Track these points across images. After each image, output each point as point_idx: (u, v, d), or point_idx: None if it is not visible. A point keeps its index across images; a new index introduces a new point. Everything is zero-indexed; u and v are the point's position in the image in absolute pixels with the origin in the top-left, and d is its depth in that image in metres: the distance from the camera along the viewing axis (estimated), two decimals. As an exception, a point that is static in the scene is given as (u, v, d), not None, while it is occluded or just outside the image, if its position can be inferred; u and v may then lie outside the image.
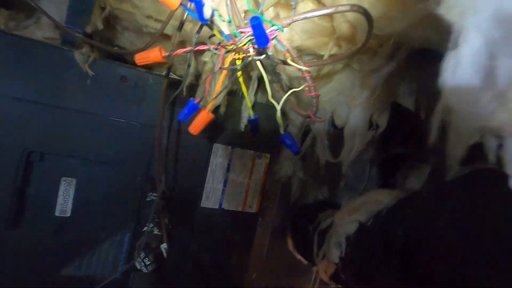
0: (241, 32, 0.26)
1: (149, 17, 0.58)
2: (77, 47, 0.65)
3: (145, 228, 0.58)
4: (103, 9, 0.56)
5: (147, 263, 0.51)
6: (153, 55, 0.28)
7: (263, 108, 0.80)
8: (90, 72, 0.66)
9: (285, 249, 1.07)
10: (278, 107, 0.27)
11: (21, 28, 0.68)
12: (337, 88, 0.71)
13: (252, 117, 0.36)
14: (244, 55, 0.28)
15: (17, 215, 0.64)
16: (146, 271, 0.50)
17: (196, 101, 0.27)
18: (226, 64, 0.26)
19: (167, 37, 0.68)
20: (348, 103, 0.69)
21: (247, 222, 0.86)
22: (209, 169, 0.79)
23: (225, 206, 0.83)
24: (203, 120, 0.27)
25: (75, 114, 0.66)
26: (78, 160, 0.68)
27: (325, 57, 0.46)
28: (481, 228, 0.41)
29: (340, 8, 0.28)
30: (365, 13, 0.30)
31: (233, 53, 0.28)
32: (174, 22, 0.58)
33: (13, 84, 0.62)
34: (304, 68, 0.28)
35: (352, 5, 0.28)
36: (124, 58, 0.77)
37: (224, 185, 0.82)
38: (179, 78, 0.76)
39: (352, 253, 0.79)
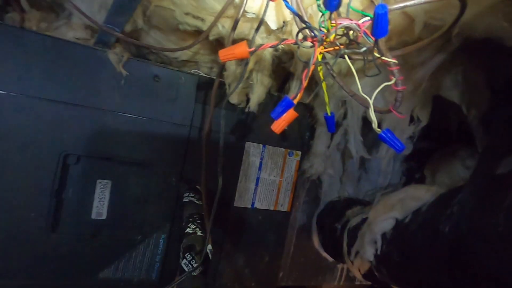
0: (333, 24, 0.25)
1: (187, 14, 0.56)
2: (110, 47, 0.64)
3: (187, 230, 0.57)
4: (145, 7, 0.54)
5: (195, 265, 0.50)
6: (239, 50, 0.27)
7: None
8: (124, 72, 0.65)
9: (310, 246, 1.06)
10: (371, 101, 0.26)
11: (52, 29, 0.66)
12: (372, 83, 0.69)
13: (329, 114, 0.35)
14: (333, 48, 0.26)
15: (55, 219, 0.63)
16: (195, 273, 0.49)
17: (291, 97, 0.26)
18: (315, 59, 0.25)
19: (196, 34, 0.67)
20: (386, 97, 0.67)
21: (279, 221, 0.85)
22: (242, 168, 0.78)
23: (257, 205, 0.81)
24: (290, 118, 0.26)
25: (110, 115, 0.65)
26: (113, 162, 0.67)
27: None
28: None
29: None
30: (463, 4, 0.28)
31: (322, 47, 0.26)
32: (210, 18, 0.56)
33: (47, 86, 0.60)
34: (393, 61, 0.27)
35: None
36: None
37: (256, 184, 0.81)
38: (209, 77, 0.74)
39: (388, 251, 0.78)
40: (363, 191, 1.09)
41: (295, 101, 0.26)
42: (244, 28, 0.52)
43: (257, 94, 0.59)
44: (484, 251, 0.53)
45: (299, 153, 0.85)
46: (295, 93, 0.26)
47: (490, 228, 0.52)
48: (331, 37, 0.25)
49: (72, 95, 0.62)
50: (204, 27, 0.57)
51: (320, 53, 0.28)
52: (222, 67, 0.56)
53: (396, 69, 0.27)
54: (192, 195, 0.66)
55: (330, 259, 1.08)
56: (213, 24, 0.46)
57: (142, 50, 0.76)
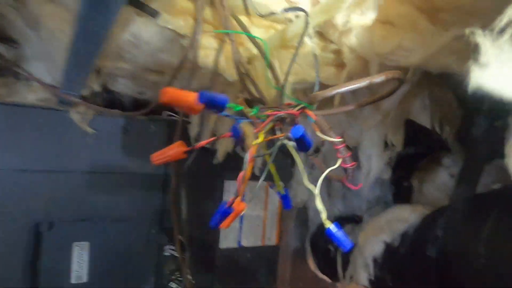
0: (268, 115, 0.24)
1: (146, 70, 0.55)
2: (73, 106, 0.63)
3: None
4: (99, 72, 0.53)
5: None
6: (174, 152, 0.26)
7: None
8: (90, 130, 0.64)
9: (307, 269, 1.04)
10: (317, 191, 0.25)
11: (13, 93, 0.65)
12: (346, 112, 0.69)
13: (283, 192, 0.34)
14: (272, 136, 0.26)
15: (32, 291, 0.61)
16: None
17: (227, 205, 0.25)
18: (254, 153, 0.24)
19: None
20: (360, 125, 0.67)
21: (268, 255, 0.83)
22: (224, 207, 0.77)
23: (244, 243, 0.80)
24: (235, 217, 0.25)
25: (80, 176, 0.63)
26: (89, 222, 0.65)
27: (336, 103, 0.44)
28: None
29: (375, 80, 0.26)
30: (400, 80, 0.28)
31: (258, 139, 0.25)
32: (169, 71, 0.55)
33: (12, 156, 0.58)
34: (337, 140, 0.26)
35: (387, 76, 0.26)
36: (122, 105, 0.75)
37: (241, 222, 0.79)
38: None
39: (382, 275, 0.77)
40: (352, 206, 1.07)
41: (234, 206, 0.25)
42: (203, 81, 0.51)
43: (224, 143, 0.58)
44: (470, 278, 0.53)
45: (282, 184, 0.84)
46: (232, 199, 0.25)
47: (473, 257, 0.51)
48: (267, 129, 0.24)
49: (38, 161, 0.60)
50: (164, 81, 0.56)
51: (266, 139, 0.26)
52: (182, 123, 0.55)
53: (342, 147, 0.26)
54: (173, 248, 0.64)
55: (329, 280, 1.07)
56: (172, 79, 0.45)
57: (113, 94, 0.74)
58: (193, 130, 0.57)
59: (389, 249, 0.75)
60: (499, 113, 0.55)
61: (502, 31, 0.18)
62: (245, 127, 0.22)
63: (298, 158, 0.27)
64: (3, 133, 0.58)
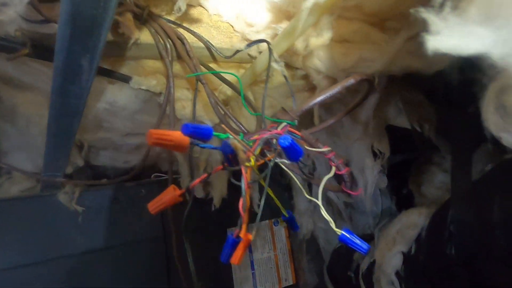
0: (254, 139, 0.25)
1: (126, 135, 0.56)
2: (59, 188, 0.61)
3: None
4: (80, 146, 0.53)
5: None
6: (169, 197, 0.25)
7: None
8: (79, 208, 0.62)
9: (332, 304, 0.98)
10: (319, 202, 0.25)
11: (-6, 189, 0.63)
12: (327, 131, 0.70)
13: (286, 215, 0.34)
14: (263, 160, 0.26)
15: None
16: None
17: (235, 235, 0.24)
18: (249, 178, 0.24)
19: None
20: (343, 142, 0.68)
21: (289, 297, 0.79)
22: (232, 257, 0.73)
23: (261, 290, 0.75)
24: (244, 248, 0.24)
25: (75, 259, 0.60)
26: (93, 307, 0.60)
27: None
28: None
29: (346, 83, 0.27)
30: (369, 81, 0.29)
31: (251, 163, 0.25)
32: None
33: (4, 255, 0.55)
34: (325, 149, 0.26)
35: (356, 78, 0.27)
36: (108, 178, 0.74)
37: (253, 268, 0.75)
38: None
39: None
40: (360, 226, 1.05)
41: (241, 235, 0.24)
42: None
43: (219, 189, 0.57)
44: (495, 264, 0.51)
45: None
46: (238, 229, 0.25)
47: (492, 243, 0.50)
48: (257, 152, 0.25)
49: (29, 254, 0.57)
50: (145, 143, 0.56)
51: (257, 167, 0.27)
52: (171, 164, 0.55)
53: (332, 155, 0.26)
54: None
55: (357, 310, 1.00)
56: (145, 157, 0.46)
57: (98, 169, 0.73)
58: (184, 182, 0.57)
59: (408, 259, 0.73)
60: (468, 98, 0.58)
61: (441, 5, 0.20)
62: (235, 143, 0.22)
63: (293, 174, 0.27)
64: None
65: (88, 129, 0.50)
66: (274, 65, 0.35)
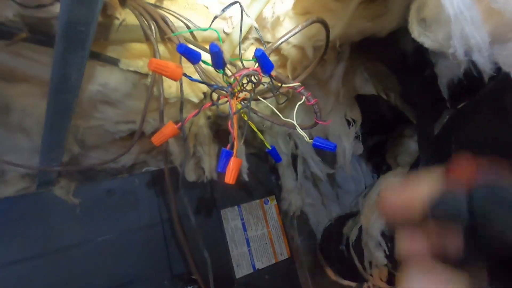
0: (235, 77, 0.29)
1: (118, 122, 0.60)
2: (55, 183, 0.64)
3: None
4: (75, 133, 0.57)
5: None
6: (168, 130, 0.29)
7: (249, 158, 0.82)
8: (76, 201, 0.64)
9: (328, 281, 1.02)
10: (294, 122, 0.30)
11: (-10, 191, 0.65)
12: (304, 108, 0.76)
13: (269, 147, 0.38)
14: (244, 95, 0.31)
15: None
16: None
17: (228, 148, 0.29)
18: (234, 109, 0.28)
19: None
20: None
21: (285, 270, 0.82)
22: (227, 236, 0.77)
23: (258, 265, 0.79)
24: (236, 167, 0.28)
25: (75, 249, 0.62)
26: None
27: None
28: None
29: (304, 24, 0.33)
30: (323, 22, 0.35)
31: (234, 98, 0.30)
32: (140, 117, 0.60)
33: (3, 249, 0.57)
34: (296, 84, 0.31)
35: (313, 19, 0.33)
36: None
37: (248, 245, 0.79)
38: (161, 168, 0.76)
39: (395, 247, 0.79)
40: (347, 205, 1.11)
41: (233, 150, 0.29)
42: (173, 113, 0.56)
43: (208, 164, 0.62)
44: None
45: (273, 197, 0.87)
46: (230, 143, 0.29)
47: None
48: (238, 87, 0.29)
49: (29, 248, 0.59)
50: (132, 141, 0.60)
51: (239, 102, 0.32)
52: (166, 153, 0.59)
53: (302, 89, 0.32)
54: (190, 287, 0.63)
55: (353, 283, 1.05)
56: (142, 121, 0.49)
57: (88, 174, 0.76)
58: (176, 160, 0.60)
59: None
60: (423, 63, 0.65)
61: None
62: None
63: (272, 107, 0.32)
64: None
65: (82, 113, 0.53)
66: (247, 20, 0.41)
